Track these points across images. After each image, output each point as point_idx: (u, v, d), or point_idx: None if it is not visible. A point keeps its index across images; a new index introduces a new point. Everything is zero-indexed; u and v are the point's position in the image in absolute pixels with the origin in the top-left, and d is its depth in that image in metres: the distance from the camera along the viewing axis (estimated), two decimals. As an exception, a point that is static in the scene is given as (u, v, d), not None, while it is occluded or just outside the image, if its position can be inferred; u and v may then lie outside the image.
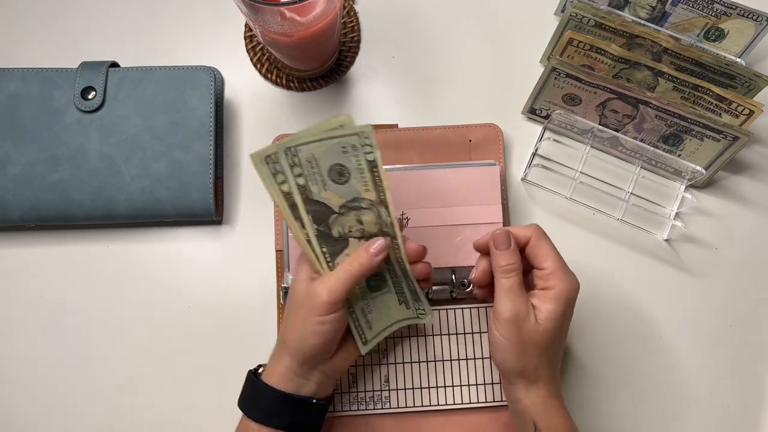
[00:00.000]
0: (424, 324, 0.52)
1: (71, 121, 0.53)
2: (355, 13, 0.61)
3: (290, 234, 0.46)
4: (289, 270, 0.52)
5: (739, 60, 0.55)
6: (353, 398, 0.51)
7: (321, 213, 0.42)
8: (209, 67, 0.55)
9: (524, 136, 0.58)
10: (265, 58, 0.59)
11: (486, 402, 0.52)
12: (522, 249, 0.45)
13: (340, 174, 0.41)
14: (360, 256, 0.42)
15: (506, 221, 0.54)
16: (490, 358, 0.52)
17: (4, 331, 0.54)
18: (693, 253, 0.56)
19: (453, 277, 0.53)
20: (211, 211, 0.54)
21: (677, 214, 0.57)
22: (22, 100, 0.53)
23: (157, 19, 0.60)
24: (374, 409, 0.51)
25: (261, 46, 0.59)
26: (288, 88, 0.59)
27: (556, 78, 0.53)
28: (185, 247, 0.56)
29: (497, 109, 0.59)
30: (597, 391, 0.54)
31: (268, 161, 0.39)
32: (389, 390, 0.52)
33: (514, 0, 0.61)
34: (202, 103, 0.54)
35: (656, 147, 0.56)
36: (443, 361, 0.52)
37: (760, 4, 0.52)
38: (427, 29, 0.60)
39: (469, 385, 0.52)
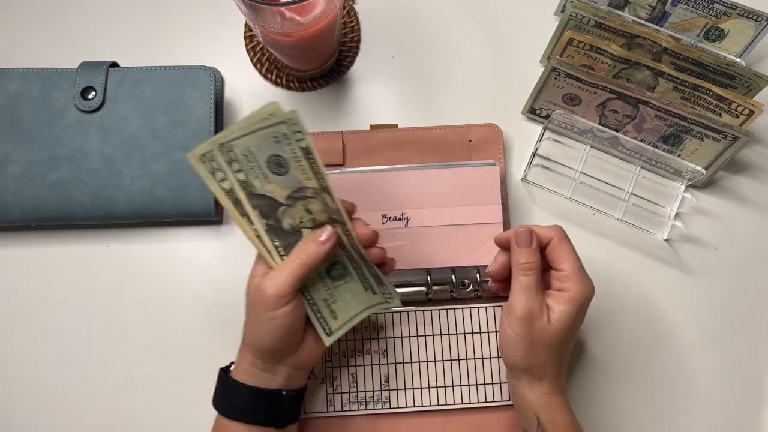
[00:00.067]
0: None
1: (71, 121, 0.53)
2: (355, 13, 0.61)
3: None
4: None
5: (739, 60, 0.55)
6: (353, 398, 0.51)
7: (268, 207, 0.41)
8: (209, 67, 0.55)
9: (524, 136, 0.58)
10: (265, 58, 0.59)
11: (486, 402, 0.51)
12: (543, 249, 0.45)
13: (278, 165, 0.40)
14: (308, 247, 0.42)
15: (506, 221, 0.54)
16: (498, 356, 0.52)
17: (4, 331, 0.54)
18: (693, 253, 0.56)
19: (453, 277, 0.53)
20: (211, 211, 0.54)
21: (677, 214, 0.57)
22: (22, 100, 0.53)
23: (157, 19, 0.60)
24: (374, 409, 0.51)
25: (261, 46, 0.59)
26: (288, 88, 0.59)
27: (556, 78, 0.53)
28: (185, 247, 0.56)
29: (497, 109, 0.59)
30: (596, 391, 0.54)
31: (204, 160, 0.39)
32: (389, 390, 0.52)
33: (514, 0, 0.61)
34: (202, 103, 0.54)
35: (656, 147, 0.56)
36: (443, 361, 0.52)
37: (760, 4, 0.52)
38: (427, 29, 0.60)
39: (469, 385, 0.52)
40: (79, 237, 0.56)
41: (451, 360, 0.52)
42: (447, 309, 0.53)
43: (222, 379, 0.46)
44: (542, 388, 0.44)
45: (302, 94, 0.59)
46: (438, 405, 0.51)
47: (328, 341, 0.45)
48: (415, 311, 0.53)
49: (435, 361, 0.52)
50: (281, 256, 0.43)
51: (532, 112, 0.58)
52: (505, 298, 0.53)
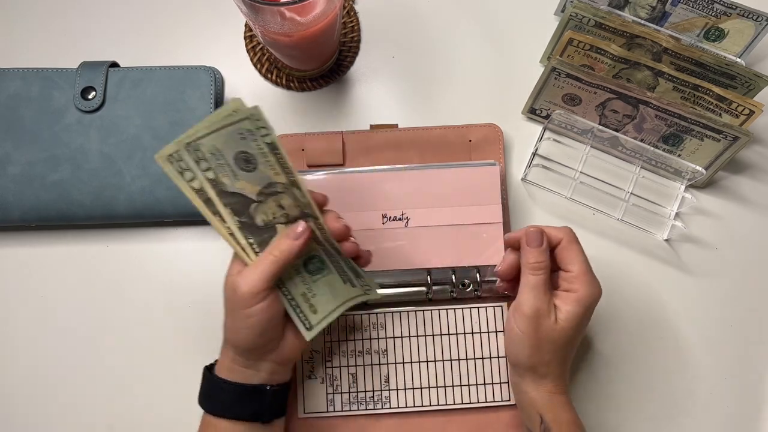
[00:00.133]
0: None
1: (71, 121, 0.53)
2: (355, 13, 0.61)
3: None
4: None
5: (739, 60, 0.55)
6: (353, 398, 0.51)
7: (240, 204, 0.41)
8: (209, 67, 0.55)
9: (524, 136, 0.58)
10: (265, 58, 0.59)
11: (486, 402, 0.52)
12: (552, 249, 0.46)
13: (246, 161, 0.40)
14: (281, 243, 0.42)
15: (506, 221, 0.54)
16: (498, 356, 0.52)
17: (4, 331, 0.54)
18: (693, 253, 0.56)
19: (453, 277, 0.53)
20: (211, 211, 0.54)
21: (677, 214, 0.57)
22: (22, 100, 0.53)
23: (157, 19, 0.60)
24: (374, 409, 0.51)
25: (261, 46, 0.59)
26: (288, 88, 0.59)
27: (556, 78, 0.53)
28: (185, 247, 0.56)
29: (497, 109, 0.59)
30: (596, 390, 0.54)
31: (171, 160, 0.39)
32: (389, 390, 0.52)
33: (514, 0, 0.61)
34: (202, 103, 0.54)
35: (656, 147, 0.56)
36: (443, 361, 0.52)
37: (760, 4, 0.52)
38: (427, 29, 0.60)
39: (469, 385, 0.52)
40: (79, 237, 0.56)
41: (451, 360, 0.52)
42: (447, 309, 0.53)
43: (206, 377, 0.46)
44: (546, 387, 0.45)
45: (302, 94, 0.59)
46: (438, 405, 0.51)
47: (308, 336, 0.45)
48: (415, 311, 0.53)
49: (435, 361, 0.52)
50: (256, 252, 0.43)
51: (532, 112, 0.58)
52: (505, 298, 0.53)
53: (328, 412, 0.51)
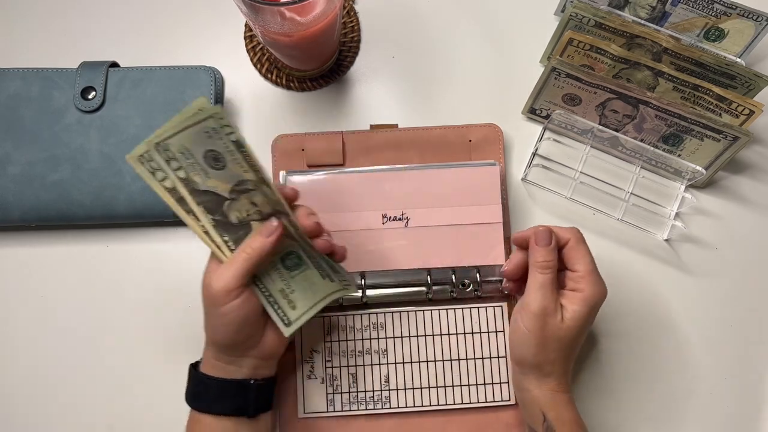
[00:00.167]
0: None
1: (71, 121, 0.53)
2: (355, 13, 0.61)
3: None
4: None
5: (739, 60, 0.55)
6: (353, 398, 0.51)
7: (212, 202, 0.42)
8: (209, 67, 0.55)
9: (524, 136, 0.58)
10: (265, 58, 0.59)
11: (486, 402, 0.52)
12: (559, 249, 0.47)
13: (215, 159, 0.40)
14: (253, 241, 0.42)
15: (506, 221, 0.54)
16: (498, 356, 0.52)
17: (4, 331, 0.54)
18: (693, 253, 0.56)
19: (453, 277, 0.53)
20: (211, 211, 0.54)
21: (677, 214, 0.57)
22: (22, 100, 0.53)
23: (157, 19, 0.60)
24: (374, 409, 0.51)
25: (261, 46, 0.59)
26: (288, 88, 0.59)
27: (556, 78, 0.53)
28: (185, 248, 0.56)
29: (497, 109, 0.59)
30: (596, 390, 0.54)
31: (142, 161, 0.40)
32: (389, 390, 0.52)
33: (514, 0, 0.61)
34: (202, 103, 0.54)
35: (656, 147, 0.56)
36: (443, 361, 0.52)
37: (760, 4, 0.52)
38: (427, 29, 0.60)
39: (469, 385, 0.52)
40: (79, 237, 0.56)
41: (451, 360, 0.52)
42: (447, 309, 0.53)
43: (191, 374, 0.46)
44: (549, 385, 0.45)
45: (302, 94, 0.59)
46: (438, 405, 0.51)
47: (287, 332, 0.45)
48: (415, 311, 0.53)
49: (435, 361, 0.52)
50: (231, 250, 0.43)
51: (532, 112, 0.58)
52: (505, 298, 0.53)
53: (328, 412, 0.51)
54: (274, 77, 0.59)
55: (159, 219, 0.54)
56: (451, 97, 0.59)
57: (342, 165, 0.56)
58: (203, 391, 0.45)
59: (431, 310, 0.53)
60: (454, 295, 0.53)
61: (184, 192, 0.41)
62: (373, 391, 0.52)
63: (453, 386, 0.52)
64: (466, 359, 0.52)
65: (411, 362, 0.52)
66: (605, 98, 0.54)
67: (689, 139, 0.54)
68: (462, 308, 0.53)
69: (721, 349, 0.55)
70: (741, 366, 0.55)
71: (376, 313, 0.53)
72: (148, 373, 0.53)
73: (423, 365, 0.52)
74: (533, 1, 0.61)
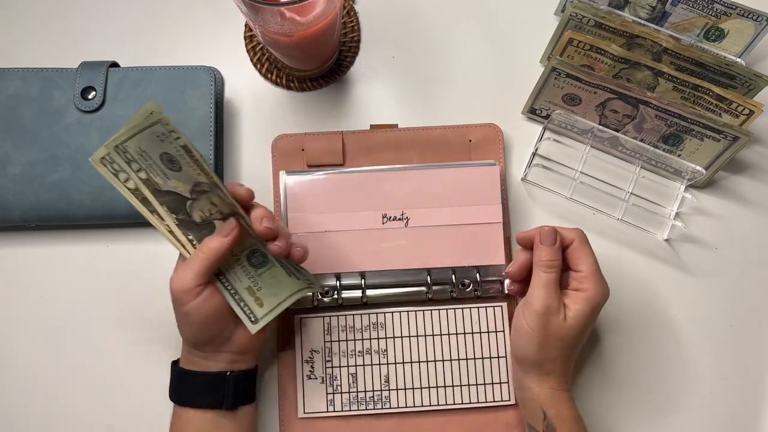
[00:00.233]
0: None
1: (71, 121, 0.53)
2: (355, 13, 0.61)
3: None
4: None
5: (739, 60, 0.55)
6: (353, 398, 0.51)
7: (175, 202, 0.43)
8: (209, 67, 0.55)
9: (524, 136, 0.58)
10: (265, 58, 0.59)
11: (486, 402, 0.52)
12: (563, 250, 0.47)
13: (171, 162, 0.41)
14: (211, 240, 0.43)
15: (506, 221, 0.54)
16: (498, 356, 0.52)
17: (4, 331, 0.54)
18: (693, 253, 0.56)
19: (453, 277, 0.53)
20: (211, 211, 0.54)
21: (677, 214, 0.57)
22: (22, 100, 0.53)
23: (157, 19, 0.60)
24: (374, 409, 0.51)
25: (261, 46, 0.59)
26: (288, 88, 0.59)
27: (556, 78, 0.53)
28: (185, 247, 0.56)
29: (497, 109, 0.59)
30: (596, 390, 0.54)
31: (104, 163, 0.41)
32: (389, 390, 0.52)
33: (514, 0, 0.61)
34: (202, 103, 0.54)
35: (656, 147, 0.56)
36: (443, 361, 0.52)
37: (760, 4, 0.52)
38: (427, 29, 0.60)
39: (469, 385, 0.52)
40: (79, 237, 0.56)
41: (451, 360, 0.52)
42: (447, 309, 0.53)
43: (171, 370, 0.48)
44: (549, 383, 0.46)
45: (302, 94, 0.59)
46: (438, 405, 0.51)
47: (253, 329, 0.45)
48: (415, 311, 0.53)
49: (435, 361, 0.52)
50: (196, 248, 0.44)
51: (532, 112, 0.58)
52: (505, 298, 0.53)
53: (328, 412, 0.51)
54: (274, 77, 0.59)
55: (159, 219, 0.54)
56: (451, 97, 0.59)
57: (342, 165, 0.56)
58: (182, 386, 0.47)
59: (431, 310, 0.53)
60: (454, 295, 0.53)
61: (146, 192, 0.42)
62: (373, 391, 0.52)
63: (453, 386, 0.52)
64: (466, 359, 0.52)
65: (411, 362, 0.52)
66: (605, 98, 0.54)
67: (689, 139, 0.54)
68: (462, 308, 0.53)
69: (721, 349, 0.55)
70: (741, 366, 0.55)
71: (376, 313, 0.53)
72: (149, 373, 0.53)
73: (423, 365, 0.52)
74: (533, 1, 0.61)
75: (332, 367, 0.52)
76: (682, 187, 0.57)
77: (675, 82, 0.52)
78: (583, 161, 0.58)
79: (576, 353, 0.47)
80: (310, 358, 0.52)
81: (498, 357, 0.52)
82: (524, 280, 0.49)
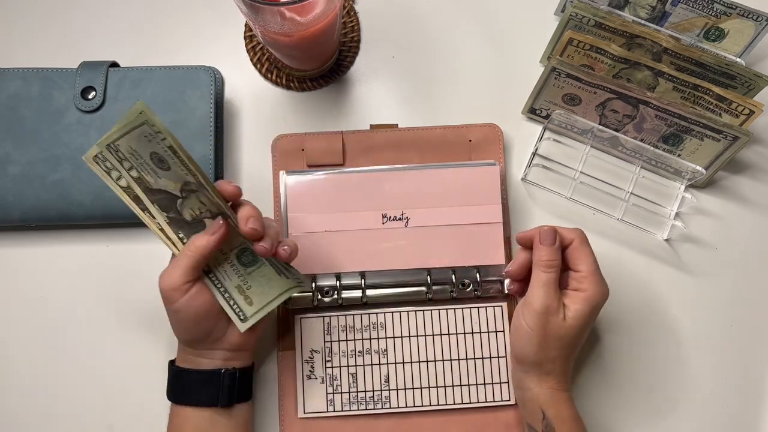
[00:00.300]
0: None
1: (71, 121, 0.53)
2: (355, 13, 0.61)
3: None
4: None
5: (739, 60, 0.55)
6: (353, 398, 0.51)
7: (166, 200, 0.44)
8: (209, 67, 0.55)
9: (524, 136, 0.58)
10: (265, 58, 0.59)
11: (486, 402, 0.52)
12: (563, 249, 0.47)
13: (160, 161, 0.42)
14: (197, 239, 0.44)
15: (506, 221, 0.54)
16: (498, 356, 0.52)
17: (4, 331, 0.54)
18: (693, 253, 0.56)
19: (453, 277, 0.53)
20: (211, 211, 0.54)
21: (677, 214, 0.57)
22: (22, 100, 0.53)
23: (157, 19, 0.60)
24: (374, 409, 0.51)
25: (261, 46, 0.59)
26: (288, 88, 0.59)
27: (556, 78, 0.53)
28: (185, 247, 0.56)
29: (497, 109, 0.59)
30: (595, 390, 0.54)
31: (97, 161, 0.42)
32: (389, 390, 0.52)
33: (514, 0, 0.61)
34: (202, 103, 0.54)
35: (656, 147, 0.56)
36: (443, 361, 0.52)
37: (760, 4, 0.52)
38: (427, 29, 0.60)
39: (469, 385, 0.52)
40: (79, 237, 0.56)
41: (451, 360, 0.52)
42: (447, 309, 0.53)
43: (168, 369, 0.48)
44: (549, 383, 0.46)
45: (302, 94, 0.59)
46: (438, 405, 0.51)
47: (242, 327, 0.46)
48: (415, 311, 0.53)
49: (435, 361, 0.52)
50: None
51: (532, 112, 0.58)
52: (505, 298, 0.53)
53: (328, 412, 0.51)
54: (274, 77, 0.59)
55: (159, 219, 0.54)
56: (451, 97, 0.59)
57: (342, 165, 0.56)
58: (178, 384, 0.47)
59: (431, 310, 0.53)
60: (454, 295, 0.53)
61: (138, 191, 0.43)
62: (373, 391, 0.52)
63: (453, 386, 0.52)
64: (466, 359, 0.52)
65: (411, 362, 0.52)
66: (605, 98, 0.54)
67: (689, 139, 0.54)
68: (462, 308, 0.53)
69: (721, 349, 0.55)
70: (741, 366, 0.55)
71: (376, 313, 0.53)
72: (149, 373, 0.53)
73: (423, 365, 0.52)
74: (533, 1, 0.61)
75: (332, 367, 0.52)
76: (682, 187, 0.57)
77: (675, 82, 0.52)
78: (583, 161, 0.58)
79: (575, 353, 0.47)
80: (310, 358, 0.52)
81: (498, 357, 0.52)
82: (524, 279, 0.49)
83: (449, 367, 0.52)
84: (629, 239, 0.57)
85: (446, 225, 0.53)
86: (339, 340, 0.52)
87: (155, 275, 0.55)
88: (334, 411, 0.51)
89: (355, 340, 0.52)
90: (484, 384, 0.52)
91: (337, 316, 0.53)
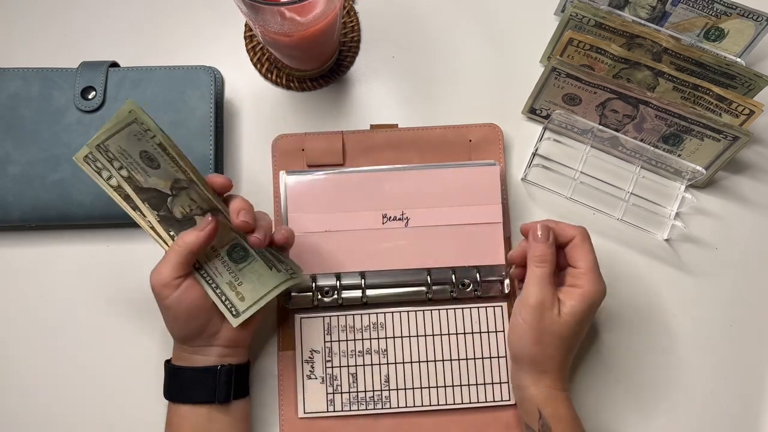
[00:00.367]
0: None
1: (71, 121, 0.53)
2: (355, 13, 0.61)
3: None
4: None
5: (739, 60, 0.55)
6: (353, 398, 0.51)
7: (156, 198, 0.44)
8: (209, 67, 0.55)
9: (524, 136, 0.58)
10: (265, 58, 0.59)
11: (486, 402, 0.52)
12: (564, 245, 0.48)
13: (150, 159, 0.42)
14: (186, 235, 0.44)
15: (506, 221, 0.54)
16: (498, 356, 0.52)
17: (4, 331, 0.54)
18: (693, 253, 0.56)
19: (453, 277, 0.53)
20: (211, 211, 0.54)
21: (677, 214, 0.57)
22: (22, 100, 0.53)
23: (157, 19, 0.60)
24: (374, 409, 0.51)
25: (261, 46, 0.59)
26: (288, 88, 0.59)
27: (556, 78, 0.53)
28: (185, 247, 0.56)
29: (497, 109, 0.59)
30: (595, 390, 0.54)
31: (87, 161, 0.42)
32: (389, 390, 0.52)
33: (514, 0, 0.61)
34: (202, 103, 0.54)
35: (656, 147, 0.56)
36: (443, 361, 0.52)
37: (760, 4, 0.52)
38: (427, 29, 0.60)
39: (469, 385, 0.52)
40: (79, 237, 0.56)
41: (451, 360, 0.52)
42: (447, 309, 0.53)
43: (165, 368, 0.48)
44: (545, 382, 0.46)
45: (302, 94, 0.59)
46: (438, 405, 0.51)
47: (234, 323, 0.46)
48: (415, 311, 0.53)
49: (435, 361, 0.52)
50: None
51: (532, 112, 0.58)
52: (505, 298, 0.53)
53: (328, 412, 0.51)
54: (274, 77, 0.59)
55: (159, 219, 0.54)
56: (451, 97, 0.59)
57: (342, 165, 0.56)
58: (174, 382, 0.47)
59: (431, 310, 0.53)
60: (454, 295, 0.53)
61: (128, 190, 0.43)
62: (373, 391, 0.52)
63: (453, 386, 0.52)
64: (466, 359, 0.52)
65: (411, 362, 0.52)
66: (605, 98, 0.54)
67: (689, 139, 0.54)
68: (462, 308, 0.53)
69: (721, 349, 0.55)
70: (741, 366, 0.55)
71: (376, 313, 0.53)
72: (149, 372, 0.53)
73: (423, 365, 0.52)
74: (533, 1, 0.61)
75: (332, 367, 0.52)
76: (682, 187, 0.57)
77: (675, 82, 0.52)
78: (583, 161, 0.58)
79: (572, 353, 0.47)
80: (310, 358, 0.52)
81: (498, 357, 0.52)
82: (525, 265, 0.49)
83: (449, 367, 0.52)
84: (629, 239, 0.57)
85: (446, 225, 0.53)
86: (339, 340, 0.52)
87: (155, 275, 0.55)
88: (334, 411, 0.51)
89: (355, 340, 0.52)
90: (484, 384, 0.52)
91: (337, 316, 0.53)
